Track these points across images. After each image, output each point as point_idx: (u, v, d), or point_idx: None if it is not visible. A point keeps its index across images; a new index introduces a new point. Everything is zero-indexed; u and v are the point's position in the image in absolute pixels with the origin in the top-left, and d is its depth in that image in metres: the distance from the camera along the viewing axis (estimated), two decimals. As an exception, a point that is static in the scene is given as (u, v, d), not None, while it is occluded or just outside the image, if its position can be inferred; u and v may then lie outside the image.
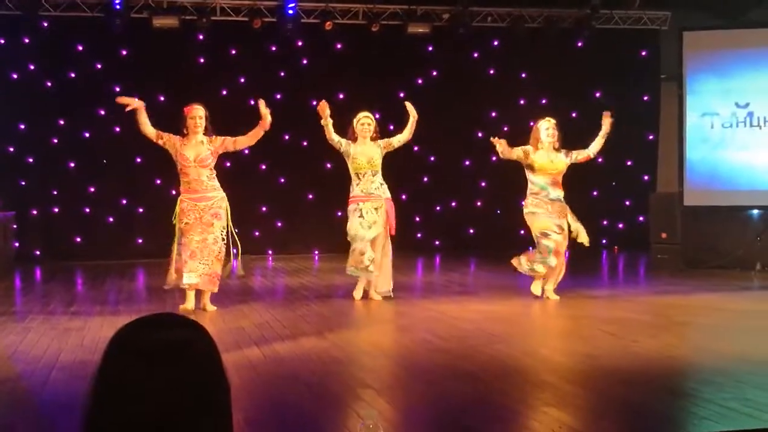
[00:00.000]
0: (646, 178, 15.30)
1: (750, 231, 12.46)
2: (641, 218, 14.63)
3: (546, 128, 9.26)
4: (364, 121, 9.36)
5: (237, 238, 8.75)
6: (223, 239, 8.67)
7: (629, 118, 15.04)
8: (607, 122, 9.39)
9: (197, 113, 8.60)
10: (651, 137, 15.37)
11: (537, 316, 8.73)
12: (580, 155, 9.38)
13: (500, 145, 9.21)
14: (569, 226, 9.28)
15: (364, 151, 9.31)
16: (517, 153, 9.27)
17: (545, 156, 9.24)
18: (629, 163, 15.44)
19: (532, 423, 4.80)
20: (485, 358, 6.36)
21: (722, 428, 4.52)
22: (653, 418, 4.87)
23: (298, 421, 4.81)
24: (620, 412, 4.96)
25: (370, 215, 9.28)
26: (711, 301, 9.35)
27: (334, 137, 9.29)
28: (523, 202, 9.44)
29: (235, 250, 8.80)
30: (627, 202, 15.32)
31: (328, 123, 9.24)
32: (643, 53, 15.38)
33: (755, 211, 12.59)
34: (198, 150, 8.58)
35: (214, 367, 1.60)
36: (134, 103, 8.58)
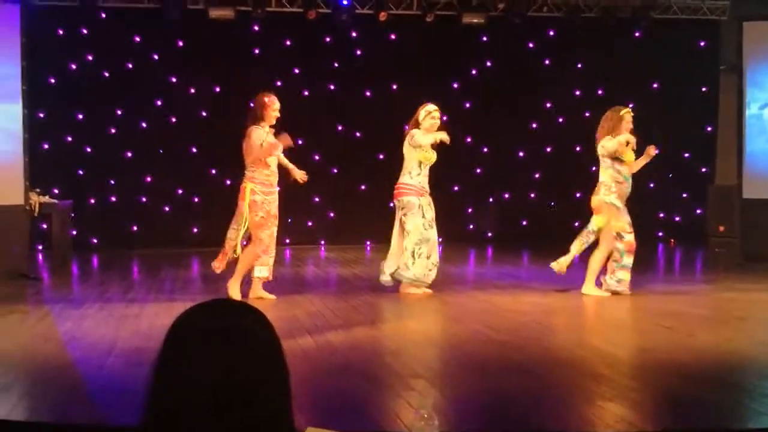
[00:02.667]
0: (704, 169, 15.04)
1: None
2: (699, 211, 14.39)
3: (629, 120, 8.90)
4: (435, 115, 9.11)
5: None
6: None
7: (687, 109, 14.85)
8: (649, 154, 9.13)
9: (278, 105, 8.68)
10: (709, 129, 15.11)
11: (591, 309, 8.62)
12: None
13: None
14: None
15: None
16: (619, 142, 8.80)
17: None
18: (687, 154, 15.19)
19: (589, 416, 4.75)
20: (539, 351, 6.30)
21: (781, 424, 4.43)
22: (709, 412, 4.79)
23: (349, 410, 4.81)
24: (676, 405, 4.88)
25: (429, 213, 9.18)
26: (770, 296, 9.18)
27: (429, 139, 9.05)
28: (604, 190, 8.92)
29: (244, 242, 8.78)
30: (684, 194, 15.08)
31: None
32: (702, 44, 15.11)
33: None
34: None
35: (273, 352, 1.61)
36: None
